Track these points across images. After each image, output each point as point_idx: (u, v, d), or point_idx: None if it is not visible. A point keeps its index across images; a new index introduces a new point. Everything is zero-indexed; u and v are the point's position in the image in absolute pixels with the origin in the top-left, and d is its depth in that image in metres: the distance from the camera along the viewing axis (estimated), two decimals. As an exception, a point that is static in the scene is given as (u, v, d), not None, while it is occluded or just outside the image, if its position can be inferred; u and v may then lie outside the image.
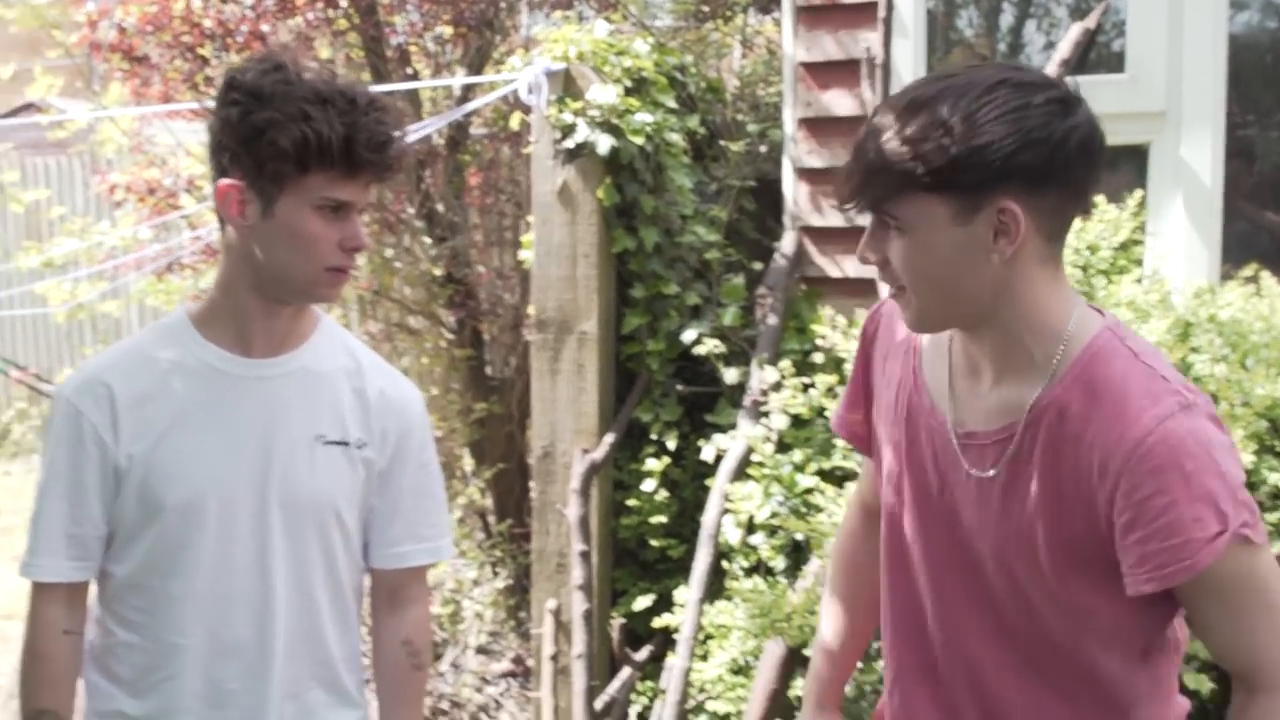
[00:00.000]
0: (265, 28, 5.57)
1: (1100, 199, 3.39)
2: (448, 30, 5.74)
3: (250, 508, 1.94)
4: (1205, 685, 2.75)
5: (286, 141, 1.79)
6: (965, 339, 1.68)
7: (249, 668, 1.97)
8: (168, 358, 1.94)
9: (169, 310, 7.05)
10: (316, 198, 1.84)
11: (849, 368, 3.69)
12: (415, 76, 5.81)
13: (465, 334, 5.87)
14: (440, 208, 5.73)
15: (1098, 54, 3.78)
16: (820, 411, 3.66)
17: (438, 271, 5.77)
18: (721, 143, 4.33)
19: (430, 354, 6.04)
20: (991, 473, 1.65)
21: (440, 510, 2.17)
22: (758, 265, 4.25)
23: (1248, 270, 3.45)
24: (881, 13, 3.61)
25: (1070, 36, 3.63)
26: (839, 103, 4.04)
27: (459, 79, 5.43)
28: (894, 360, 1.81)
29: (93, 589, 2.01)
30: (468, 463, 6.07)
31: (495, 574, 5.72)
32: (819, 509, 3.36)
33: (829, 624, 2.06)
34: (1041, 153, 1.49)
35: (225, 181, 1.86)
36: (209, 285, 5.95)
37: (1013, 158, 1.48)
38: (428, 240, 5.75)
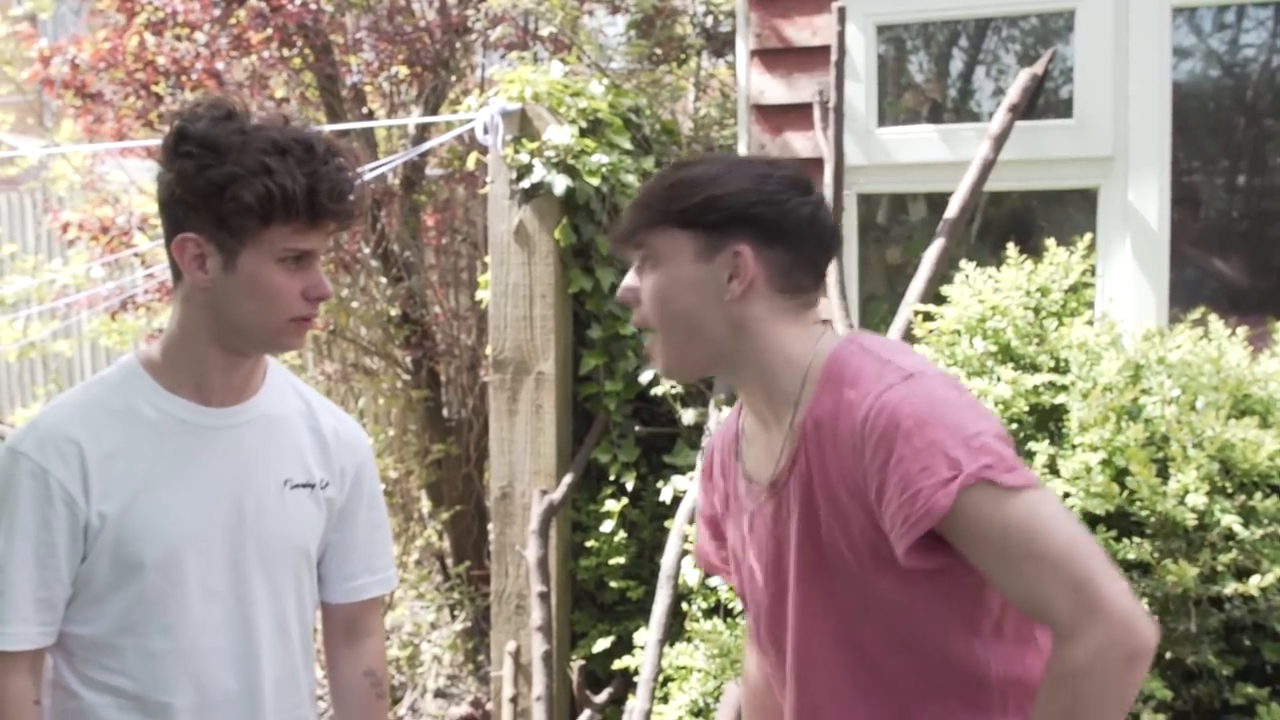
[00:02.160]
0: (220, 65, 5.57)
1: (1050, 242, 3.43)
2: (403, 70, 5.76)
3: (227, 559, 1.93)
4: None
5: (250, 197, 1.78)
6: (744, 398, 1.82)
7: (240, 718, 1.96)
8: (129, 410, 1.90)
9: (123, 350, 7.04)
10: (279, 250, 1.83)
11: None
12: (371, 116, 5.82)
13: (422, 375, 5.86)
14: (396, 248, 5.73)
15: (1046, 100, 3.84)
16: (777, 452, 3.67)
17: (394, 312, 5.77)
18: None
19: (387, 395, 6.02)
20: (774, 506, 1.75)
21: (388, 541, 2.21)
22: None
23: (1195, 313, 3.51)
24: (834, 55, 3.65)
25: (1019, 83, 3.69)
26: (793, 145, 4.08)
27: (414, 119, 5.43)
28: (729, 470, 1.92)
29: None
30: (425, 504, 6.04)
31: (454, 617, 5.69)
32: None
33: None
34: (773, 211, 1.71)
35: (183, 235, 1.84)
36: (163, 324, 5.96)
37: (750, 208, 1.70)
38: (383, 280, 5.75)
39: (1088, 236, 3.47)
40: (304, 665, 2.06)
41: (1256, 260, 3.91)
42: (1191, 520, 2.79)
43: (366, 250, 5.68)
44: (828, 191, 3.75)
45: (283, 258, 1.84)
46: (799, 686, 1.78)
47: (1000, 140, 3.64)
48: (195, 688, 1.91)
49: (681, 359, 1.77)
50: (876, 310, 4.13)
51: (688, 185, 1.73)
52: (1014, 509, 1.53)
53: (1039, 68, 3.70)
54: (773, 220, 1.71)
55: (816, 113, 3.93)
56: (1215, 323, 3.41)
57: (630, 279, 1.78)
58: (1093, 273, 3.60)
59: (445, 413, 6.04)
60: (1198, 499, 2.80)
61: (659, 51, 5.57)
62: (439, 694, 5.42)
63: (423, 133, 5.66)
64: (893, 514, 1.57)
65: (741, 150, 4.21)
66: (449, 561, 5.99)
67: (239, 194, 1.78)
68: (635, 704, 3.61)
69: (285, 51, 5.50)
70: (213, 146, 1.81)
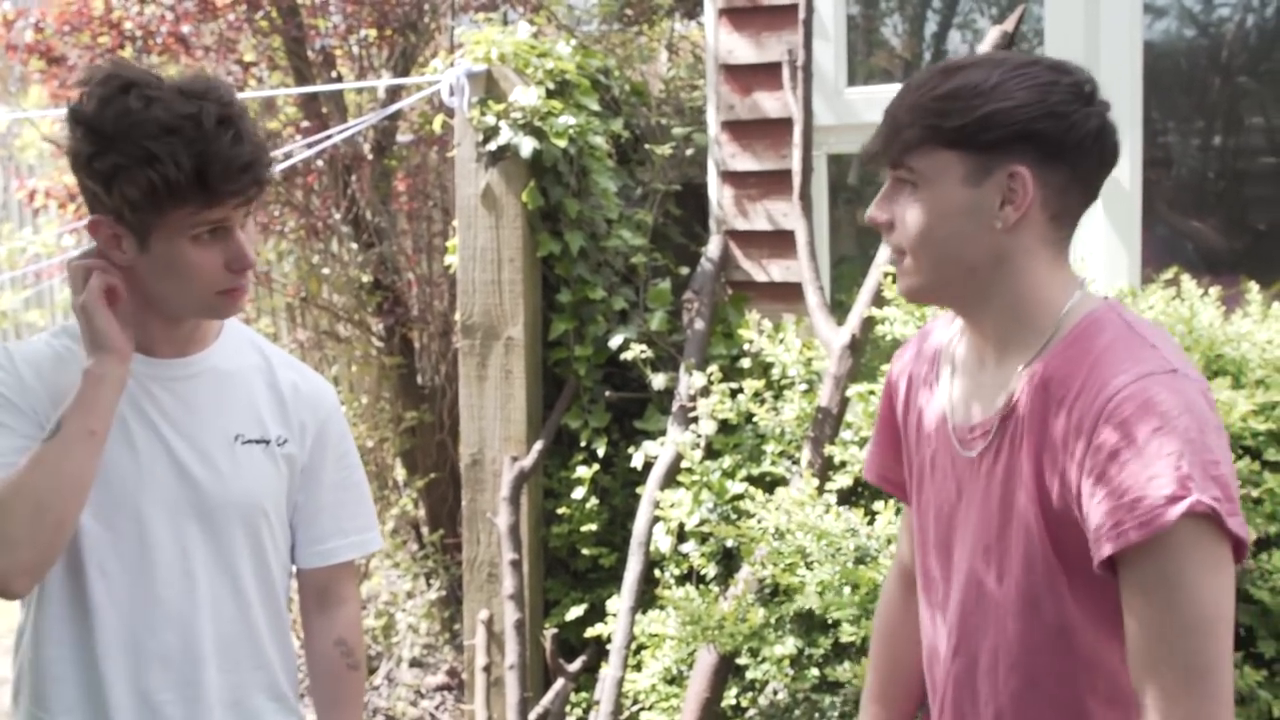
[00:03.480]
0: (186, 29, 5.47)
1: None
2: (372, 33, 5.67)
3: (168, 511, 1.89)
4: None
5: (134, 190, 1.71)
6: (969, 330, 1.68)
7: (179, 677, 1.91)
8: (76, 357, 1.86)
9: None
10: (187, 227, 1.77)
11: (776, 372, 3.71)
12: (339, 79, 5.73)
13: (395, 342, 5.80)
14: (367, 213, 5.66)
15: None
16: (749, 417, 3.64)
17: (366, 278, 5.70)
18: (647, 146, 4.30)
19: (359, 362, 5.96)
20: (976, 452, 1.63)
21: (364, 501, 2.14)
22: (684, 270, 4.23)
23: (1167, 274, 3.48)
24: (802, 14, 3.59)
25: (989, 40, 3.63)
26: (762, 105, 4.03)
27: (383, 81, 5.36)
28: (925, 386, 1.79)
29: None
30: (399, 473, 6.00)
31: (428, 585, 5.66)
32: (749, 515, 3.34)
33: (871, 696, 2.01)
34: (1059, 126, 1.52)
35: (94, 217, 1.80)
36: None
37: (1032, 123, 1.51)
38: (355, 246, 5.68)
39: (1060, 196, 3.43)
40: (270, 628, 2.01)
41: (1229, 220, 3.88)
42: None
43: (337, 216, 5.61)
44: (796, 152, 3.70)
45: (196, 234, 1.78)
46: (960, 639, 1.68)
47: (972, 99, 3.59)
48: (131, 641, 1.88)
49: (934, 287, 1.62)
50: (847, 272, 4.09)
51: (963, 97, 1.53)
52: (1213, 557, 1.41)
53: (1009, 24, 3.63)
54: (1057, 137, 1.52)
55: (785, 72, 3.87)
56: (1188, 283, 3.38)
57: (883, 200, 1.63)
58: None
59: (419, 380, 5.99)
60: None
61: (629, 13, 5.49)
62: (415, 663, 5.39)
63: (392, 96, 5.58)
64: (1104, 510, 1.43)
65: (710, 110, 4.15)
66: (424, 530, 5.95)
67: (124, 187, 1.72)
68: (608, 672, 3.59)
69: (252, 15, 5.41)
70: (99, 131, 1.74)
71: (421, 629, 5.52)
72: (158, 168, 1.70)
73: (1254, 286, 3.32)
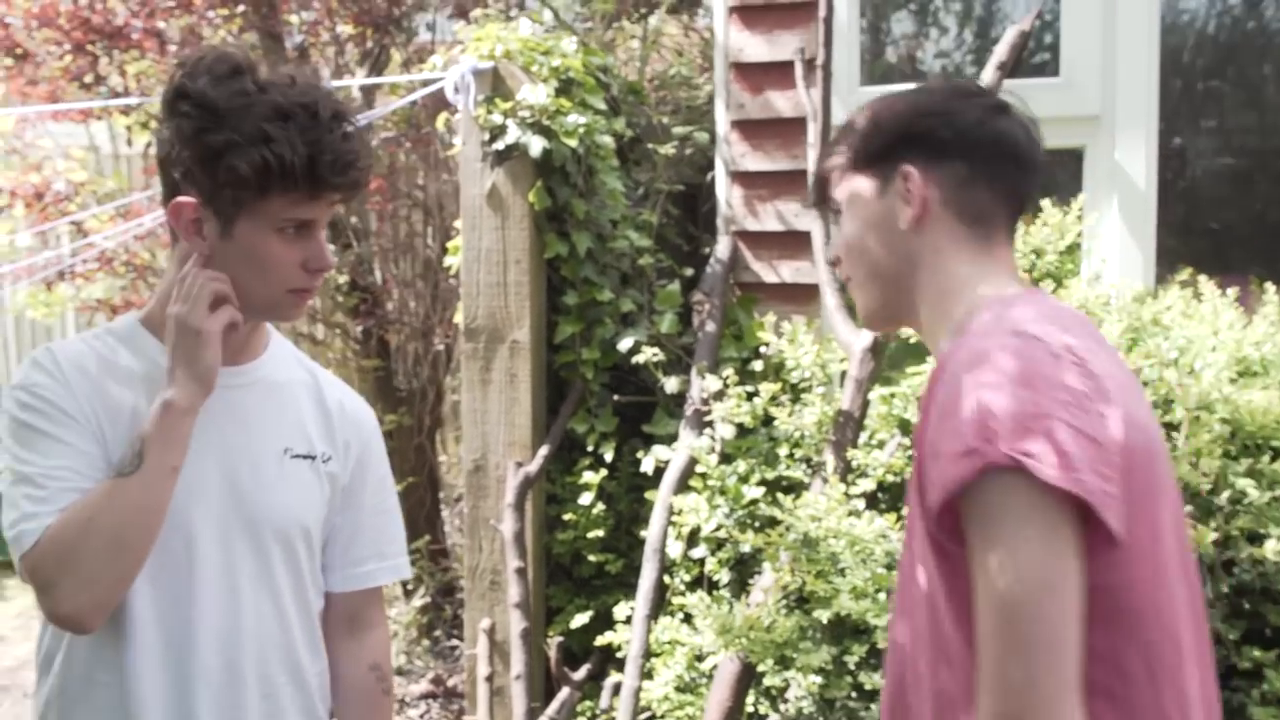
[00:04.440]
0: (160, 24, 5.33)
1: (1045, 203, 3.37)
2: (348, 29, 5.56)
3: (216, 524, 1.80)
4: None
5: (246, 166, 1.67)
6: (931, 348, 1.65)
7: (219, 699, 1.81)
8: (127, 364, 1.79)
9: (51, 322, 6.78)
10: (278, 219, 1.73)
11: (794, 375, 3.66)
12: (321, 76, 5.60)
13: (372, 344, 5.70)
14: (343, 213, 5.54)
15: (1032, 58, 3.78)
16: (765, 420, 3.58)
17: (342, 279, 5.59)
18: (650, 146, 4.23)
19: (336, 364, 5.85)
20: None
21: (399, 526, 2.08)
22: (686, 271, 4.17)
23: (1182, 274, 3.47)
24: (822, 12, 3.54)
25: (1006, 40, 3.60)
26: (774, 104, 3.98)
27: (377, 78, 5.25)
28: None
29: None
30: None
31: (408, 593, 5.55)
32: (770, 520, 3.28)
33: None
34: (936, 121, 1.57)
35: (179, 199, 1.74)
36: (95, 295, 5.72)
37: (910, 124, 1.59)
38: (331, 247, 5.56)
39: (1080, 197, 3.42)
40: (308, 652, 1.93)
41: (1240, 220, 3.88)
42: (1206, 484, 2.75)
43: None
44: (813, 153, 3.65)
45: (282, 227, 1.74)
46: (887, 664, 1.63)
47: (988, 99, 3.56)
48: (173, 660, 1.78)
49: (876, 306, 1.64)
50: (857, 274, 4.05)
51: (854, 125, 1.65)
52: (1024, 532, 1.31)
53: (1027, 24, 3.61)
54: (936, 132, 1.57)
55: (798, 70, 3.83)
56: (1205, 284, 3.38)
57: (832, 242, 1.72)
58: (1084, 236, 3.55)
59: (396, 382, 5.88)
60: (1211, 463, 2.76)
61: (613, 9, 5.42)
62: (398, 672, 5.28)
63: (368, 95, 5.47)
64: (928, 477, 1.38)
65: (719, 109, 4.10)
66: (402, 536, 5.84)
67: (235, 164, 1.68)
68: (624, 681, 3.51)
69: (227, 10, 5.28)
70: (211, 108, 1.70)
71: (403, 637, 5.41)
72: (273, 148, 1.67)
73: (1270, 288, 3.32)
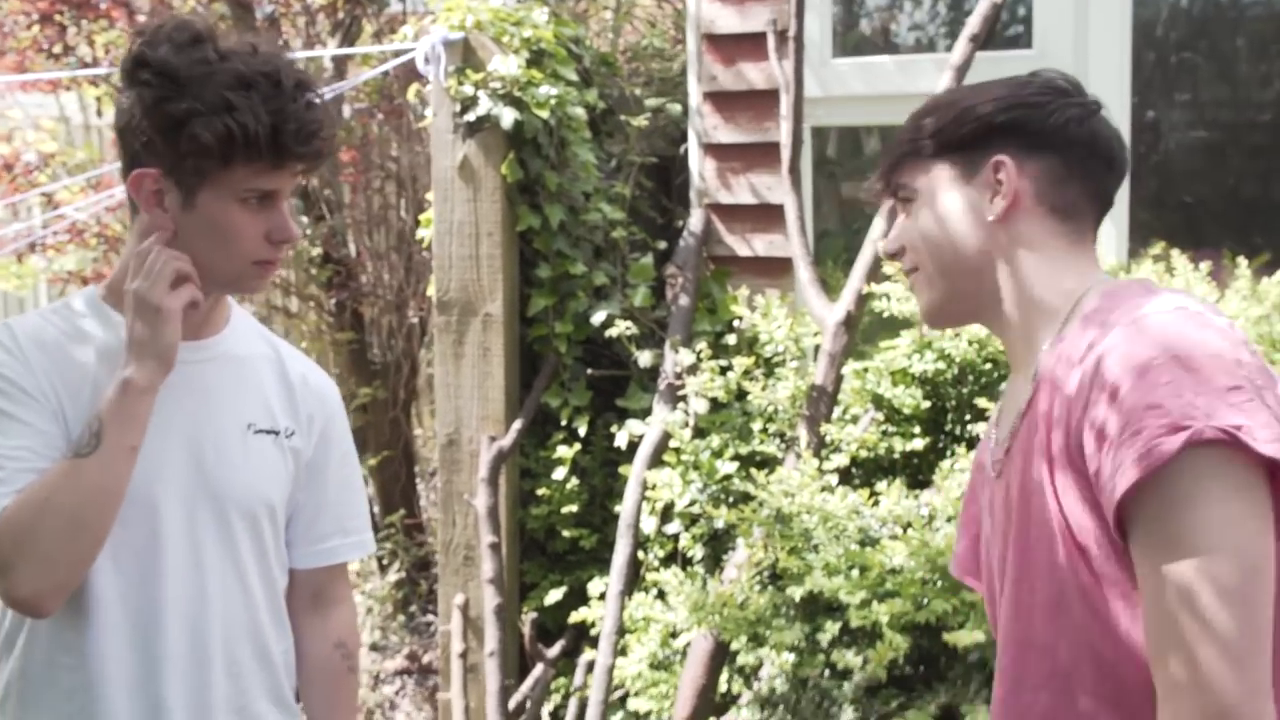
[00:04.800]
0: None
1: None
2: (319, 0, 5.50)
3: (181, 501, 1.77)
4: None
5: (208, 135, 1.64)
6: (1006, 346, 1.60)
7: (186, 680, 1.79)
8: (86, 338, 1.76)
9: (23, 294, 6.72)
10: (241, 190, 1.70)
11: (767, 349, 3.64)
12: (285, 47, 5.55)
13: (345, 316, 5.66)
14: (315, 184, 5.49)
15: (1003, 30, 3.75)
16: (739, 395, 3.57)
17: (315, 252, 5.54)
18: (622, 118, 4.19)
19: (310, 337, 5.81)
20: (1003, 469, 1.53)
21: (363, 502, 2.07)
22: (659, 244, 4.14)
23: (1154, 249, 3.46)
24: (795, -17, 3.51)
25: (979, 11, 3.57)
26: (747, 75, 3.94)
27: (348, 49, 5.19)
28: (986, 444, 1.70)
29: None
30: (351, 450, 5.85)
31: (383, 568, 5.53)
32: (743, 495, 3.27)
33: None
34: (1035, 115, 1.52)
35: (140, 170, 1.71)
36: (67, 267, 5.66)
37: (1005, 113, 1.53)
38: (304, 219, 5.51)
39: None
40: (274, 630, 1.90)
41: (1213, 194, 3.87)
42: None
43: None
44: (786, 125, 3.62)
45: (245, 198, 1.71)
46: (1003, 678, 1.53)
47: (961, 71, 3.51)
48: (138, 641, 1.76)
49: (948, 298, 1.58)
50: (831, 247, 4.03)
51: (940, 106, 1.58)
52: (1231, 491, 1.25)
53: (1000, -4, 3.60)
54: (1034, 125, 1.52)
55: (771, 42, 3.79)
56: (1178, 258, 3.37)
57: (891, 232, 1.63)
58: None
59: (370, 356, 5.85)
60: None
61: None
62: (372, 647, 5.27)
63: (340, 66, 5.41)
64: (1107, 460, 1.30)
65: (691, 81, 4.06)
66: (376, 509, 5.82)
67: (197, 132, 1.64)
68: (598, 658, 3.49)
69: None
70: (172, 76, 1.66)
71: (377, 612, 5.39)
72: (236, 116, 1.64)
73: (1242, 262, 3.31)
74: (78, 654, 1.75)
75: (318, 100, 1.73)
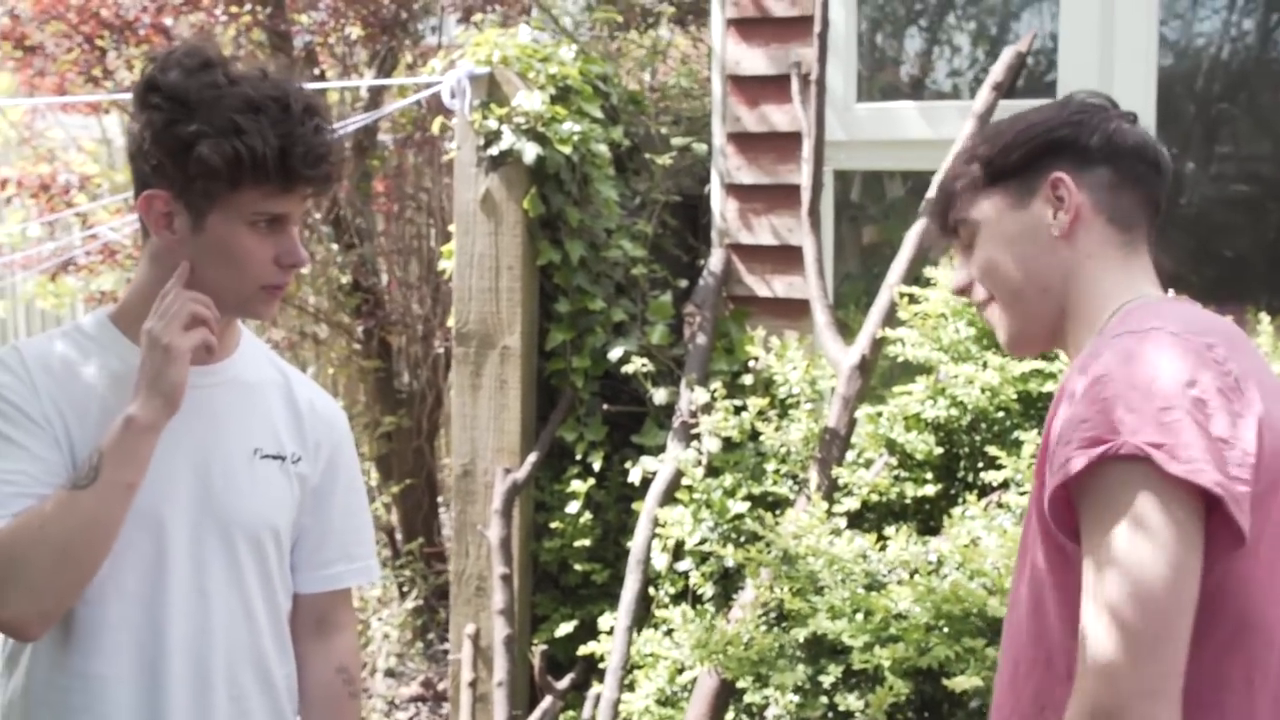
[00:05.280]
0: (167, 21, 5.35)
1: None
2: (357, 30, 5.57)
3: (187, 525, 1.79)
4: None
5: (217, 158, 1.67)
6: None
7: (189, 703, 1.81)
8: (95, 362, 1.78)
9: (60, 312, 6.82)
10: (249, 213, 1.72)
11: (781, 391, 3.65)
12: (322, 77, 5.63)
13: (373, 345, 5.71)
14: (348, 214, 5.56)
15: (1029, 80, 3.76)
16: (753, 435, 3.58)
17: (345, 279, 5.60)
18: (647, 156, 4.23)
19: (336, 364, 5.87)
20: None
21: (368, 528, 2.08)
22: (681, 282, 4.16)
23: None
24: (817, 27, 3.54)
25: (1003, 60, 3.60)
26: (770, 118, 3.97)
27: (373, 80, 5.26)
28: None
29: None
30: (373, 478, 5.89)
31: (403, 594, 5.56)
32: (753, 535, 3.27)
33: None
34: (1080, 132, 1.58)
35: (149, 192, 1.73)
36: (102, 287, 5.75)
37: (1053, 132, 1.58)
38: (335, 247, 5.58)
39: (1073, 220, 3.40)
40: (276, 654, 1.92)
41: (1239, 248, 3.86)
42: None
43: (317, 216, 5.50)
44: (806, 168, 3.64)
45: (254, 221, 1.73)
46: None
47: (984, 119, 3.54)
48: (141, 662, 1.78)
49: (1018, 325, 1.62)
50: (852, 291, 4.04)
51: (986, 139, 1.64)
52: (1145, 506, 1.31)
53: (1024, 45, 3.61)
54: (1082, 140, 1.57)
55: (795, 85, 3.82)
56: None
57: (958, 273, 1.68)
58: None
59: (396, 384, 5.89)
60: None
61: (620, 19, 5.43)
62: (389, 673, 5.29)
63: (376, 96, 5.48)
64: (1049, 468, 1.40)
65: (715, 121, 4.09)
66: (398, 536, 5.85)
67: (205, 155, 1.67)
68: (604, 693, 3.50)
69: (234, 8, 5.30)
70: (182, 100, 1.69)
71: (395, 638, 5.41)
72: (244, 139, 1.66)
73: (1264, 318, 3.29)
74: (80, 675, 1.76)
75: (326, 125, 1.76)
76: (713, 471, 3.63)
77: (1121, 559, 1.32)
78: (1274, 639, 1.40)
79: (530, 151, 3.80)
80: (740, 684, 3.16)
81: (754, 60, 3.98)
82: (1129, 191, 1.58)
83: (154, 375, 1.70)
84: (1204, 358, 1.38)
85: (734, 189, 4.06)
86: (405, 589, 5.56)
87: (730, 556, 3.23)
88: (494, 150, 3.86)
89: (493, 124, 3.85)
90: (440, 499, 6.13)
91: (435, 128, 4.46)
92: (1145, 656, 1.29)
